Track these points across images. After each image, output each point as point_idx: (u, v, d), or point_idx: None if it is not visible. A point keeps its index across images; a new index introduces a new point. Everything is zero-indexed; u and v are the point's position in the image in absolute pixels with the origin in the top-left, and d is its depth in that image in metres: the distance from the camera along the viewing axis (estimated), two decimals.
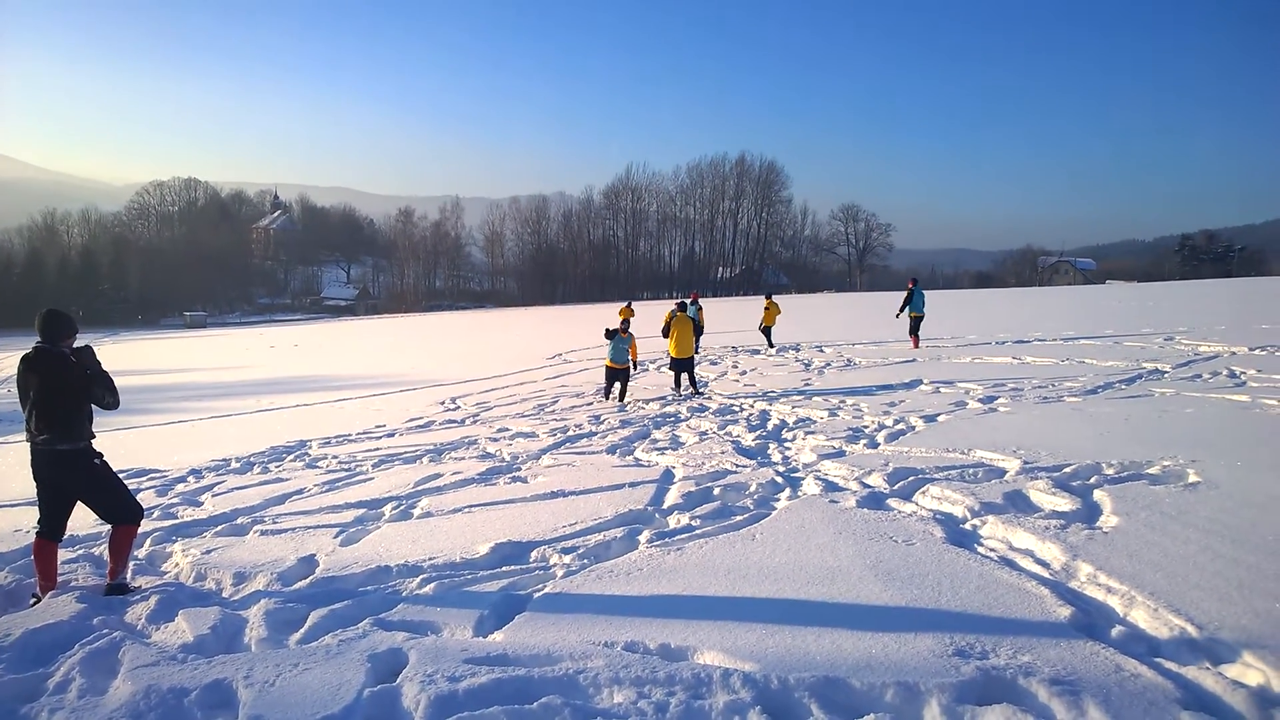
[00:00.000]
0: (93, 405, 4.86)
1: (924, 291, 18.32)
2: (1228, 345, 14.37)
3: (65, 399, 4.73)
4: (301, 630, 4.03)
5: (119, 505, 4.93)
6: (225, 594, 4.82)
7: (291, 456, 9.37)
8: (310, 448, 9.93)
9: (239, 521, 6.37)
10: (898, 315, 18.51)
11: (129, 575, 4.97)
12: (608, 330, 12.72)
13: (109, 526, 4.96)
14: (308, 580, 4.83)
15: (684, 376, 12.81)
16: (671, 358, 12.82)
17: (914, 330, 18.02)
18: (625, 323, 13.33)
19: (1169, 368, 12.05)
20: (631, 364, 12.73)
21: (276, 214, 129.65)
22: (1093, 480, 5.88)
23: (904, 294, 18.45)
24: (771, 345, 19.95)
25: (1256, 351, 13.34)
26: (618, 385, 12.54)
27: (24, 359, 4.78)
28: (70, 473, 4.80)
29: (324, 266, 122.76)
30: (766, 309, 20.27)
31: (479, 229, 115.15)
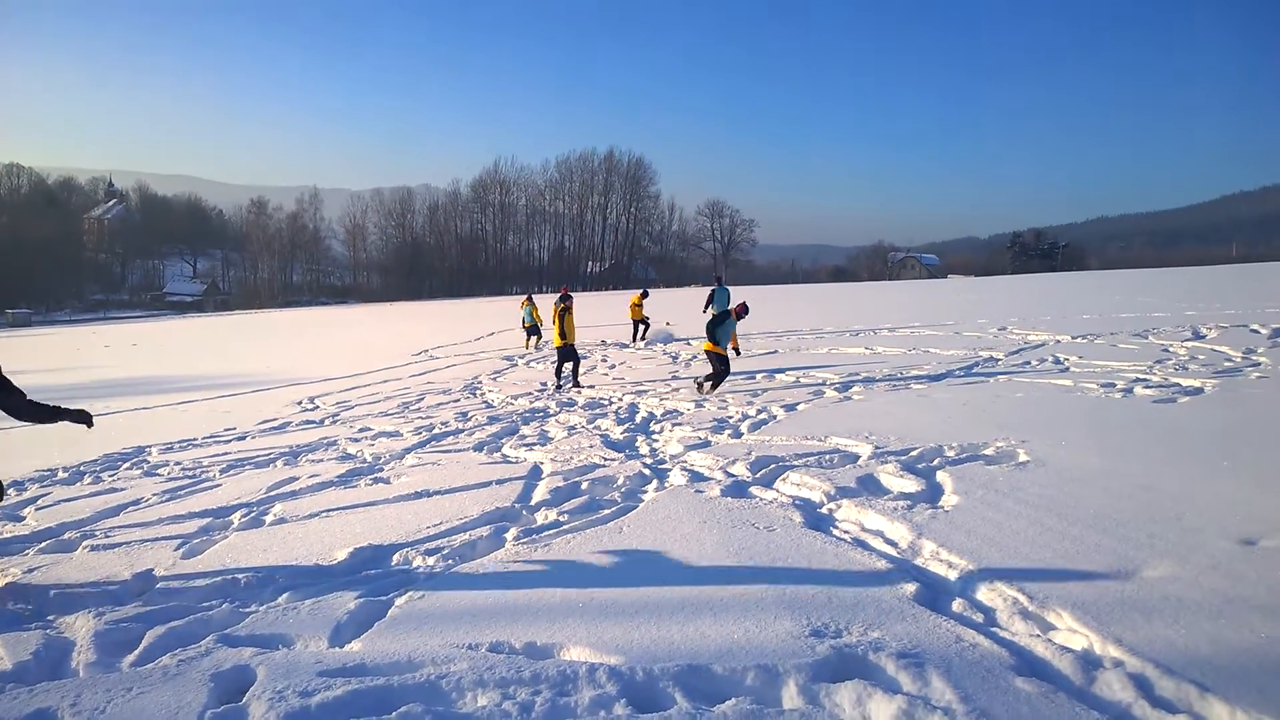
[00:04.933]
0: None
1: (729, 289, 17.59)
2: (1053, 334, 15.61)
3: None
4: (136, 651, 3.73)
5: None
6: (49, 616, 4.39)
7: (128, 464, 8.69)
8: (149, 454, 9.24)
9: (66, 536, 5.84)
10: (704, 311, 17.41)
11: None
12: (724, 313, 11.20)
13: None
14: (144, 597, 4.48)
15: (567, 365, 12.97)
16: (563, 346, 12.80)
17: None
18: (743, 305, 11.43)
19: (1002, 355, 12.97)
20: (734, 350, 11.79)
21: (111, 203, 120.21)
22: (936, 462, 6.25)
23: (709, 291, 17.61)
24: (638, 339, 20.13)
25: (1078, 339, 14.52)
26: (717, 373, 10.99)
27: None
28: None
29: (166, 260, 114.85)
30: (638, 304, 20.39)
31: (339, 221, 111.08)
